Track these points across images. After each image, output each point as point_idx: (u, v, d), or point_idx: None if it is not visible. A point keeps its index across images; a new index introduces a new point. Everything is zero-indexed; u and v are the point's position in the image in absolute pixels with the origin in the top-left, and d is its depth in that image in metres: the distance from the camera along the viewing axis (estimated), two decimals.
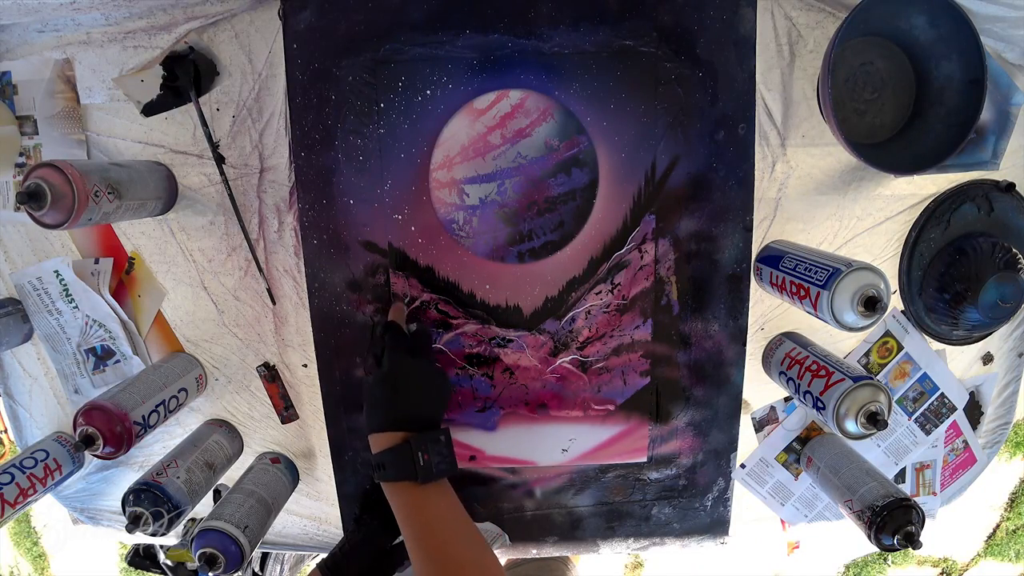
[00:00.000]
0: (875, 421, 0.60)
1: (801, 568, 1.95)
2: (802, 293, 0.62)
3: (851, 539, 0.74)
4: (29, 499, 0.69)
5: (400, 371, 0.58)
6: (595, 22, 0.62)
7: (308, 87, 0.64)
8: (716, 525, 0.79)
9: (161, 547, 1.08)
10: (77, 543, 2.13)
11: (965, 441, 0.83)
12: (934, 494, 0.85)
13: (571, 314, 0.69)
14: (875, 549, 0.68)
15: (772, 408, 0.80)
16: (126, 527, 0.67)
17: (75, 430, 0.64)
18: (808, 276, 0.62)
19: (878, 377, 0.77)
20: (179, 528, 0.80)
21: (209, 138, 0.68)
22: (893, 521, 0.65)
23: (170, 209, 0.70)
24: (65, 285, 0.73)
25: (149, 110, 0.68)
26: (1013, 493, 2.05)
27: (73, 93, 0.68)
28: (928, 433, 0.81)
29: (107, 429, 0.63)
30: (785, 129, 0.69)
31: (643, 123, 0.64)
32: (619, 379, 0.72)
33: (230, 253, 0.72)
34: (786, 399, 0.79)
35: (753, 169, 0.66)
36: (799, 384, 0.68)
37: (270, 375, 0.76)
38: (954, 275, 0.71)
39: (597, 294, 0.69)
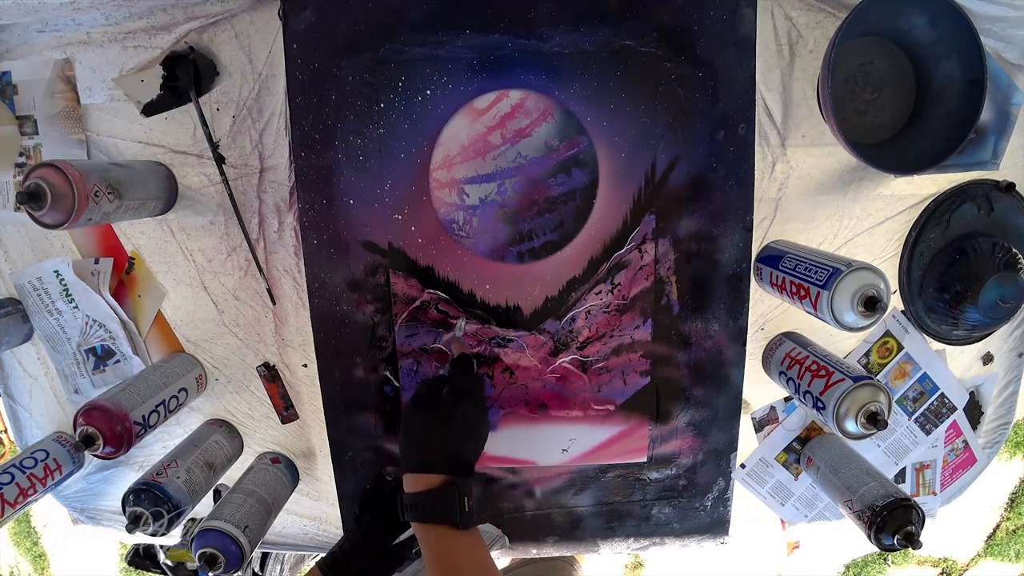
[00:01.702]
0: (875, 421, 0.60)
1: (801, 568, 1.95)
2: (802, 293, 0.62)
3: (851, 539, 0.74)
4: (29, 499, 0.69)
5: (460, 414, 0.57)
6: (595, 22, 0.62)
7: (308, 87, 0.64)
8: (716, 525, 0.79)
9: (161, 547, 1.08)
10: (77, 543, 2.13)
11: (965, 441, 0.83)
12: (934, 494, 0.85)
13: (571, 314, 0.69)
14: (875, 549, 0.68)
15: (772, 408, 0.80)
16: (126, 527, 0.67)
17: (75, 430, 0.63)
18: (808, 276, 0.62)
19: (878, 377, 0.77)
20: (179, 528, 0.79)
21: (209, 138, 0.68)
22: (893, 521, 0.65)
23: (170, 209, 0.70)
24: (65, 285, 0.73)
25: (149, 110, 0.68)
26: (1013, 493, 2.05)
27: (73, 93, 0.68)
28: (928, 433, 0.81)
29: (107, 429, 0.63)
30: (785, 129, 0.69)
31: (643, 123, 0.64)
32: (619, 379, 0.72)
33: (230, 253, 0.72)
34: (786, 399, 0.79)
35: (753, 169, 0.66)
36: (799, 384, 0.68)
37: (270, 375, 0.76)
38: (954, 275, 0.71)
39: (597, 294, 0.69)
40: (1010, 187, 0.71)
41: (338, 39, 0.63)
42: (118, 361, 0.76)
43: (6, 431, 1.89)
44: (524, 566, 1.01)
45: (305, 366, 0.76)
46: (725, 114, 0.65)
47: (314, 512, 0.84)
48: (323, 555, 0.68)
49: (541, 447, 0.74)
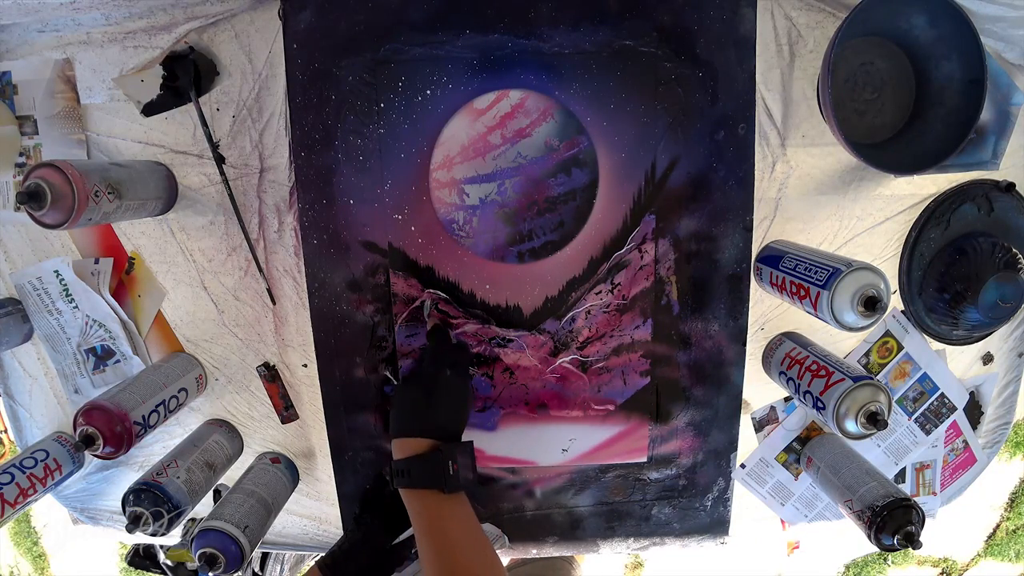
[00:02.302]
0: (875, 421, 0.60)
1: (801, 568, 1.95)
2: (802, 293, 0.62)
3: (851, 539, 0.74)
4: (29, 499, 0.69)
5: (441, 382, 0.59)
6: (595, 22, 0.62)
7: (308, 87, 0.64)
8: (716, 525, 0.79)
9: (161, 547, 1.08)
10: (77, 543, 2.13)
11: (965, 441, 0.83)
12: (934, 494, 0.85)
13: (571, 314, 0.69)
14: (875, 549, 0.68)
15: (772, 408, 0.80)
16: (126, 527, 0.67)
17: (75, 430, 0.64)
18: (808, 276, 0.62)
19: (878, 377, 0.77)
20: (179, 528, 0.79)
21: (209, 138, 0.68)
22: (893, 521, 0.65)
23: (170, 209, 0.70)
24: (65, 285, 0.73)
25: (149, 110, 0.68)
26: (1013, 493, 2.05)
27: (73, 93, 0.68)
28: (928, 433, 0.81)
29: (107, 429, 0.63)
30: (785, 129, 0.69)
31: (643, 123, 0.64)
32: (619, 379, 0.72)
33: (230, 253, 0.72)
34: (786, 399, 0.79)
35: (753, 169, 0.66)
36: (799, 384, 0.68)
37: (270, 375, 0.76)
38: (954, 275, 0.71)
39: (597, 294, 0.69)
40: (1010, 187, 0.71)
41: (338, 39, 0.63)
42: (118, 361, 0.76)
43: (6, 431, 1.89)
44: (523, 565, 1.01)
45: (305, 366, 0.76)
46: (725, 114, 0.65)
47: (314, 512, 0.84)
48: (323, 555, 0.68)
49: (541, 447, 0.74)
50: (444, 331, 0.66)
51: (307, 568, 1.40)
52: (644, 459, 0.75)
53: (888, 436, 0.81)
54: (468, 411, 0.61)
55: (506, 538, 0.74)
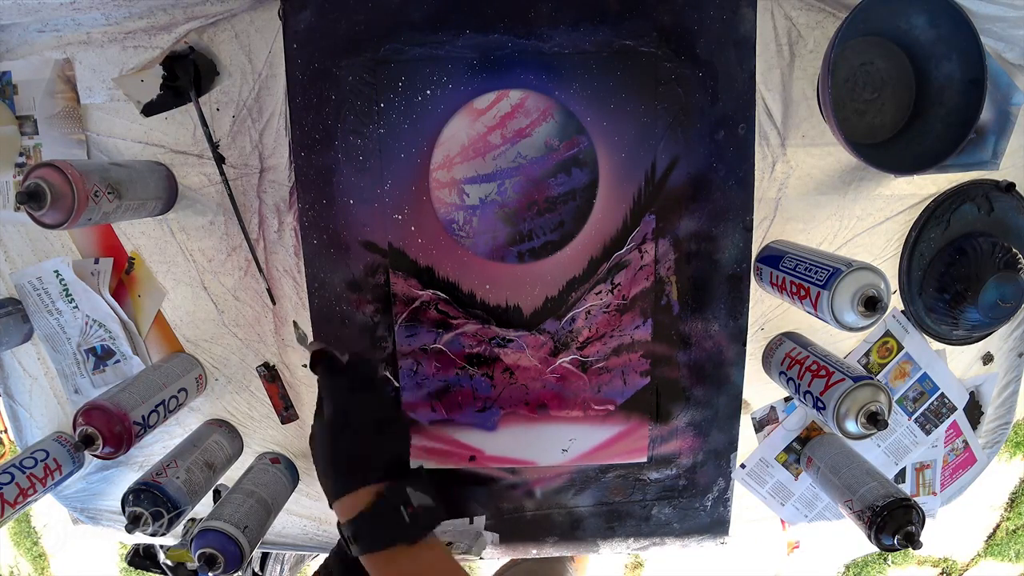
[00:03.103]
0: (875, 421, 0.60)
1: (801, 568, 1.95)
2: (802, 293, 0.62)
3: (851, 539, 0.74)
4: (29, 499, 0.69)
5: (350, 415, 0.49)
6: (595, 22, 0.62)
7: (308, 87, 0.64)
8: (716, 525, 0.79)
9: (161, 547, 1.08)
10: (77, 543, 2.13)
11: (965, 441, 0.83)
12: (934, 494, 0.85)
13: (571, 314, 0.69)
14: (875, 549, 0.68)
15: (772, 408, 0.80)
16: (126, 527, 0.67)
17: (75, 430, 0.63)
18: (808, 276, 0.62)
19: (878, 377, 0.77)
20: (179, 528, 0.79)
21: (209, 138, 0.68)
22: (893, 521, 0.65)
23: (170, 209, 0.70)
24: (65, 285, 0.73)
25: (149, 110, 0.68)
26: (1013, 493, 2.05)
27: (73, 93, 0.68)
28: (928, 433, 0.81)
29: (107, 429, 0.63)
30: (785, 129, 0.69)
31: (643, 123, 0.64)
32: (619, 379, 0.72)
33: (230, 253, 0.72)
34: (786, 399, 0.79)
35: (753, 169, 0.66)
36: (799, 384, 0.68)
37: (270, 375, 0.76)
38: (954, 275, 0.71)
39: (597, 294, 0.69)
40: (1010, 187, 0.71)
41: (338, 39, 0.63)
42: (118, 361, 0.76)
43: (6, 431, 1.89)
44: (523, 563, 1.01)
45: (305, 366, 0.76)
46: (725, 114, 0.65)
47: (314, 512, 0.84)
48: (325, 556, 0.68)
49: (541, 447, 0.74)
50: (327, 356, 0.54)
51: (308, 570, 1.39)
52: (644, 459, 0.75)
53: (888, 436, 0.81)
54: (399, 429, 0.52)
55: (487, 535, 0.73)
